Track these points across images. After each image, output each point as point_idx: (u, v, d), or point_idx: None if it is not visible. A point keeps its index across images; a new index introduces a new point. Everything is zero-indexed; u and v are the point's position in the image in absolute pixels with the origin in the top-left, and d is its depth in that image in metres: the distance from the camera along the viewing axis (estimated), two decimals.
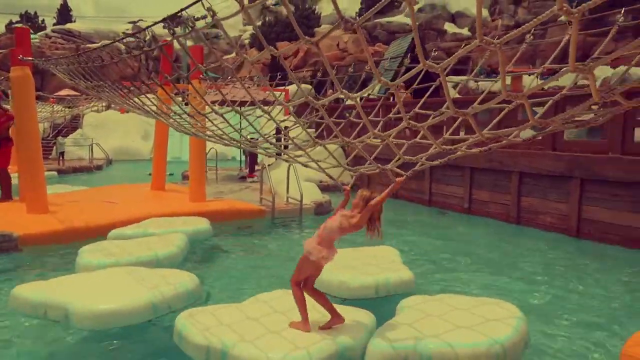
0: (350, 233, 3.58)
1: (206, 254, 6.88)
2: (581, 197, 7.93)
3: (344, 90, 3.31)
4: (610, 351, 4.08)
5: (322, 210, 9.52)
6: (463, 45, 2.87)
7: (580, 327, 4.57)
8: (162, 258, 5.51)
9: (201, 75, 9.40)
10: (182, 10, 3.56)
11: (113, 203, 8.85)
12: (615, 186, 7.44)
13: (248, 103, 9.83)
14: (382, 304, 4.66)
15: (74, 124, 24.38)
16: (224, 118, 5.05)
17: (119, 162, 21.42)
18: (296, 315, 3.63)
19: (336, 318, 3.60)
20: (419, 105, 4.50)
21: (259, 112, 5.57)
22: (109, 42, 5.69)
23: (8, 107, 10.10)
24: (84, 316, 3.91)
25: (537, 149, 8.80)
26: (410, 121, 3.27)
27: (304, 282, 3.65)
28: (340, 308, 3.96)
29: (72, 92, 30.98)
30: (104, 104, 26.37)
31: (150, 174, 16.04)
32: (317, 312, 3.69)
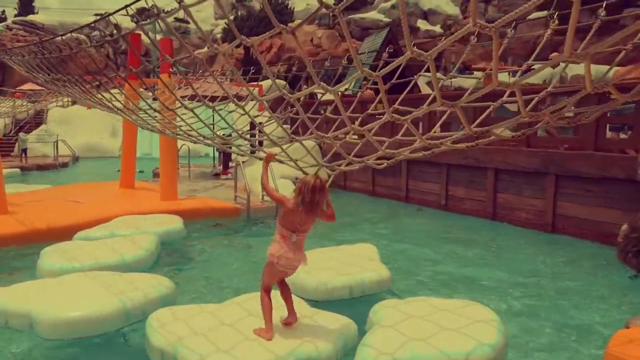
0: (299, 223, 3.38)
1: (179, 255, 6.61)
2: (556, 193, 7.97)
3: (321, 83, 3.13)
4: (591, 349, 4.04)
5: None
6: (443, 38, 2.72)
7: (557, 325, 4.53)
8: (130, 262, 5.25)
9: (171, 69, 9.07)
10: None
11: (77, 202, 8.45)
12: (589, 182, 7.50)
13: (219, 98, 9.56)
14: (357, 304, 4.55)
15: (37, 119, 23.42)
16: (194, 113, 4.81)
17: (86, 159, 20.68)
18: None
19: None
20: (399, 101, 4.37)
21: (231, 107, 5.34)
22: (67, 32, 5.38)
23: None
24: (51, 325, 3.67)
25: (512, 145, 8.81)
26: (394, 114, 3.11)
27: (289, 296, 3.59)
28: (320, 313, 3.81)
29: (36, 87, 29.76)
30: (69, 99, 25.46)
31: (119, 171, 15.56)
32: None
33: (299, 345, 3.24)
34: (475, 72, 17.47)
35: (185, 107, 4.65)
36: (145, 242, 5.76)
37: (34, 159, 18.26)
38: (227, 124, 5.38)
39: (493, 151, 8.95)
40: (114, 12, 4.25)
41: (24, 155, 17.81)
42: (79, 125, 22.60)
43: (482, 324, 3.42)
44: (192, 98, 9.66)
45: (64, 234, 6.53)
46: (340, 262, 5.11)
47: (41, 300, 3.87)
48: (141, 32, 3.64)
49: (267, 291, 3.45)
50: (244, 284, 5.35)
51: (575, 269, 6.28)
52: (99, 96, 6.22)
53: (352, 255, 5.39)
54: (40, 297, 3.96)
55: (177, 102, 8.04)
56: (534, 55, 4.20)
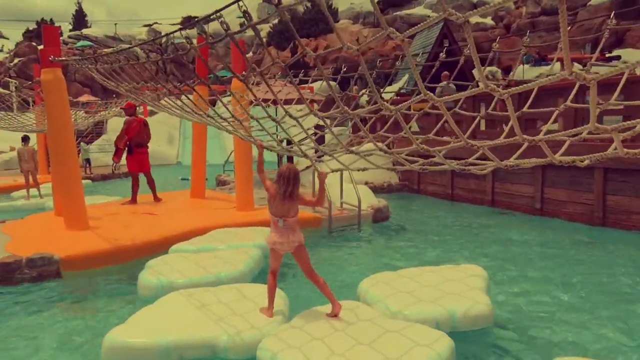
0: (284, 210, 3.75)
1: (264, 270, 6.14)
2: None
3: (385, 103, 2.95)
4: None
5: (381, 217, 8.65)
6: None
7: None
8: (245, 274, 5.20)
9: (244, 72, 8.64)
10: (217, 11, 3.50)
11: (153, 215, 8.12)
12: None
13: (295, 101, 9.04)
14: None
15: (97, 129, 23.88)
16: (271, 118, 4.39)
17: None
18: (359, 332, 3.56)
19: (335, 306, 3.85)
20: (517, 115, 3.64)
21: (296, 114, 4.92)
22: (135, 45, 5.37)
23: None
24: (244, 345, 3.54)
25: (626, 141, 7.82)
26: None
27: (305, 273, 3.95)
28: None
29: (92, 98, 30.53)
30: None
31: (182, 179, 15.42)
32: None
33: None
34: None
35: (255, 119, 4.36)
36: (249, 255, 5.58)
37: (97, 169, 18.46)
38: (288, 135, 5.05)
39: (600, 148, 7.98)
40: (185, 27, 4.34)
41: (88, 165, 18.02)
42: None
43: None
44: (265, 101, 9.21)
45: (149, 249, 6.17)
46: (434, 286, 4.41)
47: (212, 323, 3.74)
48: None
49: (272, 274, 3.93)
50: (347, 294, 4.71)
51: None
52: (181, 101, 6.07)
53: (452, 279, 4.59)
54: (205, 319, 3.82)
55: (249, 107, 7.69)
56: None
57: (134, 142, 9.46)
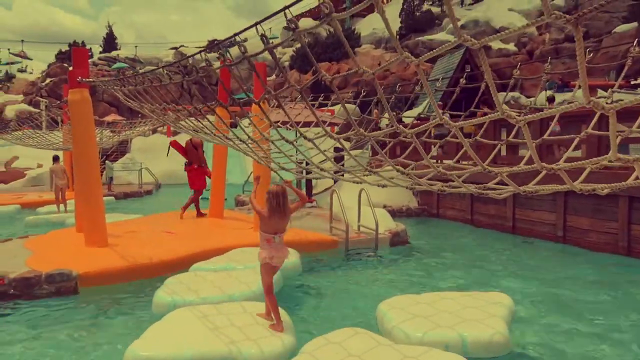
0: (277, 225, 4.09)
1: (295, 290, 6.12)
2: None
3: (400, 126, 2.95)
4: None
5: (398, 241, 8.56)
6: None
7: None
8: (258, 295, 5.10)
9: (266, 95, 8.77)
10: (236, 34, 3.62)
11: (172, 234, 8.20)
12: None
13: (313, 124, 9.15)
14: None
15: (121, 148, 24.43)
16: (290, 142, 4.43)
17: (168, 186, 21.10)
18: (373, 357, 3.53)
19: (278, 325, 4.00)
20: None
21: (313, 135, 4.98)
22: (160, 67, 5.61)
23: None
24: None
25: None
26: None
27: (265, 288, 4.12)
28: None
29: (119, 117, 31.33)
30: (150, 128, 26.46)
31: (201, 198, 15.56)
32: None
33: None
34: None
35: (287, 140, 4.38)
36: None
37: (120, 187, 18.81)
38: (305, 157, 5.07)
39: (624, 176, 7.80)
40: (205, 50, 4.57)
41: (111, 183, 18.38)
42: (160, 153, 23.20)
43: None
44: (283, 124, 9.32)
45: (166, 268, 6.23)
46: (453, 312, 4.33)
47: (228, 338, 3.81)
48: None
49: (269, 290, 4.08)
50: (363, 318, 4.65)
51: None
52: (202, 123, 6.30)
53: (473, 306, 4.48)
54: (222, 335, 3.87)
55: (268, 130, 7.80)
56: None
57: (187, 162, 10.35)
